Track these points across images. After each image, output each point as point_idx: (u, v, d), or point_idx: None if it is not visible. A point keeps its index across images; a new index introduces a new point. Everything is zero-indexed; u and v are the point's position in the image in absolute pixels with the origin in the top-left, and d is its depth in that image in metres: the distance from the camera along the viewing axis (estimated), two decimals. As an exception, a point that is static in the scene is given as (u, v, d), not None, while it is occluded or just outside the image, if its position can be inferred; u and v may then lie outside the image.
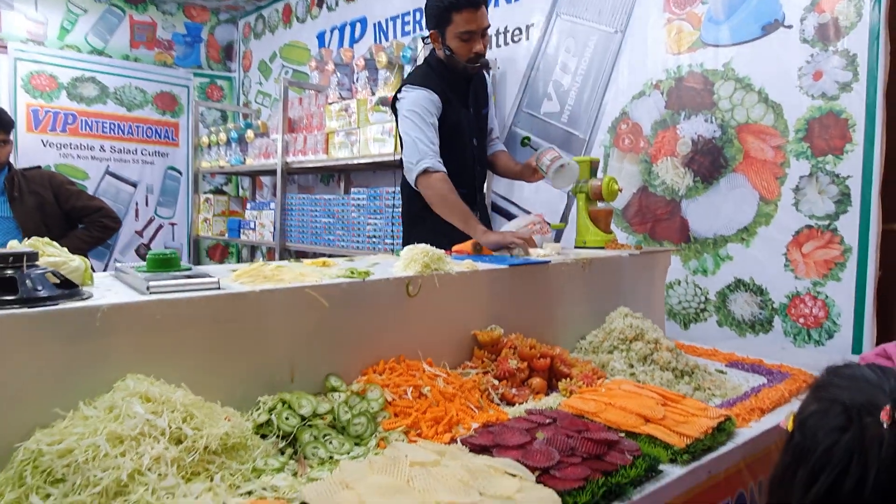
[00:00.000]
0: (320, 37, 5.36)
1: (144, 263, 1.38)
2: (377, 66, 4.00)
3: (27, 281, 1.05)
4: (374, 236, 3.78)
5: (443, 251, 1.74)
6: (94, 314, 1.08)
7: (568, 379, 1.69)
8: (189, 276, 1.29)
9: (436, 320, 1.65)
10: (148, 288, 1.19)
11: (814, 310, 2.74)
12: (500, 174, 2.95)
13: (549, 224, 2.59)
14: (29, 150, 5.19)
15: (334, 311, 1.42)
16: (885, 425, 0.74)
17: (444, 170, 2.37)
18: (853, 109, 2.61)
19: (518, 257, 2.04)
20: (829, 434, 0.78)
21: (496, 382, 1.62)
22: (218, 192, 6.08)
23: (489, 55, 3.87)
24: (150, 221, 5.92)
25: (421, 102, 2.43)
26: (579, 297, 2.07)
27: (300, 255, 4.80)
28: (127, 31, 5.80)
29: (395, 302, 1.55)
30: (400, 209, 2.77)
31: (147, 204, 5.87)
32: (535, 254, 2.13)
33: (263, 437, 1.22)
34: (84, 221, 3.31)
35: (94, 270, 1.38)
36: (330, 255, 4.08)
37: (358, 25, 4.92)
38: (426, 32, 2.61)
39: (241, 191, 6.33)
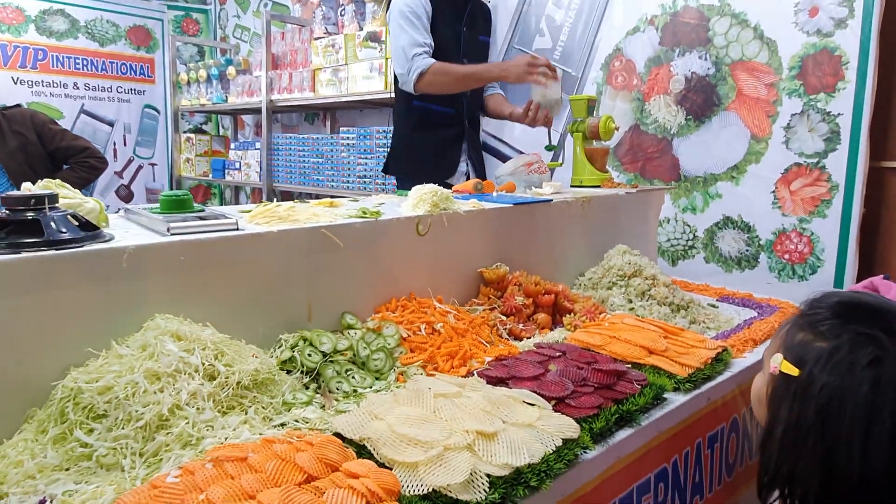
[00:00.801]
0: (300, -33, 5.14)
1: (157, 205, 1.37)
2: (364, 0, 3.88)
3: (51, 223, 1.05)
4: (365, 176, 3.76)
5: (449, 191, 1.75)
6: (120, 255, 1.08)
7: (572, 314, 1.75)
8: (205, 217, 1.29)
9: (444, 258, 1.68)
10: (168, 229, 1.19)
11: (799, 246, 2.82)
12: (489, 115, 2.91)
13: (546, 163, 2.59)
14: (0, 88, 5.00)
15: (348, 250, 1.44)
16: None
17: (435, 60, 2.36)
18: (847, 47, 2.62)
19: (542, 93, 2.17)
20: (868, 369, 0.74)
21: (504, 318, 1.67)
22: (198, 131, 5.93)
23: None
24: (130, 162, 5.79)
25: (408, 4, 2.39)
26: (579, 235, 2.12)
27: (286, 196, 4.76)
28: (94, -41, 5.50)
29: (405, 241, 1.58)
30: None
31: (125, 144, 5.72)
32: (536, 192, 2.16)
33: (288, 372, 1.26)
34: (69, 162, 3.24)
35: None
36: (317, 196, 4.06)
37: (341, -45, 4.72)
38: None
39: (221, 130, 6.19)
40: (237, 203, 5.86)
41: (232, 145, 5.08)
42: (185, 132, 5.74)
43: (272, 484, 0.87)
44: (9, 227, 1.04)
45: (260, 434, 1.03)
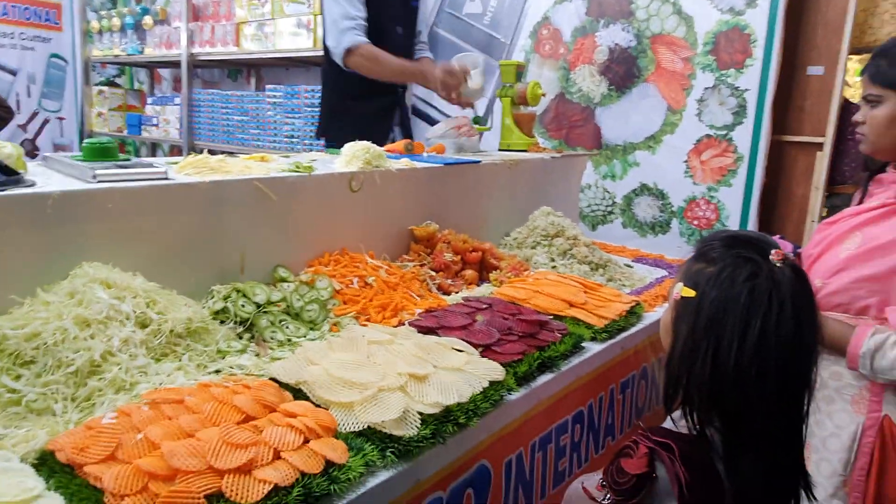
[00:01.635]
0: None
1: (80, 153, 1.32)
2: (291, -48, 3.75)
3: (-32, 166, 1.00)
4: (293, 136, 3.69)
5: (381, 149, 1.77)
6: (44, 201, 1.05)
7: (498, 270, 1.82)
8: (132, 166, 1.26)
9: (376, 215, 1.70)
10: (94, 176, 1.16)
11: (707, 213, 3.02)
12: None
13: (475, 126, 2.64)
14: None
15: (281, 204, 1.44)
16: (779, 265, 0.90)
17: (367, 39, 2.35)
18: (756, 25, 2.79)
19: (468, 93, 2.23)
20: (746, 281, 0.89)
21: (433, 274, 1.72)
22: (111, 84, 5.59)
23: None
24: (35, 115, 5.39)
25: None
26: (505, 196, 2.19)
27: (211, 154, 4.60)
28: None
29: (338, 197, 1.59)
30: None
31: (29, 95, 5.32)
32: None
33: (221, 323, 1.26)
34: (-31, 111, 3.00)
35: None
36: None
37: None
38: None
39: (136, 83, 5.86)
40: (154, 162, 5.60)
41: (149, 100, 4.83)
42: (96, 85, 5.40)
43: (210, 424, 0.89)
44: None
45: (195, 380, 1.05)
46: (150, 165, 1.28)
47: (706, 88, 2.94)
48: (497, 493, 1.21)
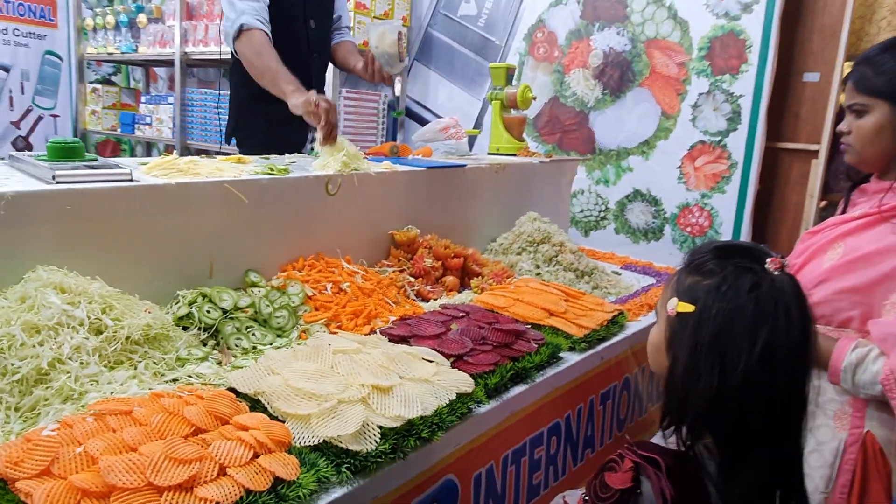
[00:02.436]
0: (220, -88, 4.86)
1: (45, 153, 1.29)
2: (286, -48, 3.71)
3: (-84, 164, 0.97)
4: (284, 137, 3.65)
5: (360, 150, 1.74)
6: (-4, 202, 1.02)
7: (479, 277, 1.79)
8: (96, 167, 1.23)
9: (354, 219, 1.67)
10: (54, 177, 1.13)
11: (700, 219, 2.99)
12: (337, 66, 2.55)
13: (462, 129, 2.61)
14: None
15: (253, 207, 1.41)
16: (776, 272, 0.89)
17: (266, 28, 2.01)
18: (751, 31, 2.76)
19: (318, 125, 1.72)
20: (750, 292, 0.87)
21: (412, 280, 1.69)
22: (106, 81, 5.56)
23: (406, -51, 3.70)
24: (28, 112, 5.36)
25: None
26: (492, 201, 2.15)
27: (202, 154, 4.57)
28: None
29: (314, 200, 1.56)
30: None
31: (23, 92, 5.28)
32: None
33: (185, 329, 1.23)
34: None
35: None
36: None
37: None
38: None
39: (132, 82, 5.83)
40: (149, 160, 5.57)
41: (143, 99, 4.80)
42: (91, 82, 5.36)
43: (157, 437, 0.85)
44: None
45: (150, 389, 1.01)
46: (116, 166, 1.24)
47: (700, 94, 2.91)
48: (465, 507, 1.17)
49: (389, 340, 1.31)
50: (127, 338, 1.05)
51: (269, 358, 1.12)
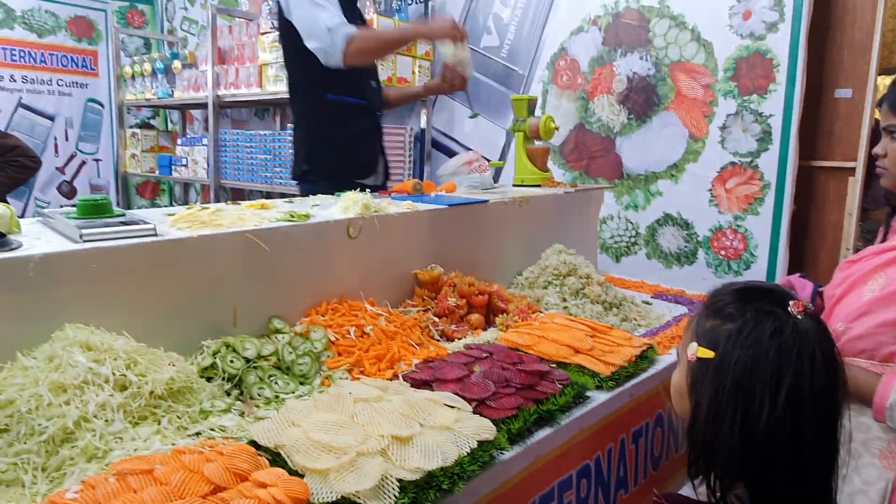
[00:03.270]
0: (249, -41, 5.04)
1: (74, 209, 1.34)
2: (311, -5, 3.82)
3: (-50, 232, 1.01)
4: (313, 173, 3.72)
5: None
6: (26, 264, 1.06)
7: (505, 314, 1.77)
8: (123, 223, 1.27)
9: (377, 261, 1.68)
10: (81, 236, 1.16)
11: (734, 242, 2.92)
12: (394, 103, 2.83)
13: (487, 161, 2.62)
14: (-71, 81, 4.79)
15: (275, 254, 1.43)
16: (800, 316, 0.87)
17: (356, 29, 2.19)
18: (778, 50, 2.71)
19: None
20: (772, 338, 0.85)
21: (436, 319, 1.68)
22: (145, 125, 5.78)
23: (428, -14, 3.78)
24: (72, 157, 5.60)
25: None
26: (516, 235, 2.14)
27: (236, 192, 4.68)
28: (30, -53, 5.30)
29: (336, 244, 1.57)
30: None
31: (67, 139, 5.53)
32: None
33: (209, 380, 1.24)
34: (-1, 161, 3.12)
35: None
36: (268, 193, 4.01)
37: (289, -52, 4.65)
38: None
39: (170, 125, 6.04)
40: (186, 200, 5.74)
41: (179, 141, 4.96)
42: (131, 127, 5.58)
43: (177, 496, 0.86)
44: None
45: (172, 444, 1.02)
46: (142, 222, 1.28)
47: (728, 115, 2.86)
48: (492, 558, 1.14)
49: (412, 385, 1.30)
50: (151, 393, 1.07)
51: (290, 409, 1.12)
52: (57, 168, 5.52)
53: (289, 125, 4.05)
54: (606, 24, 3.19)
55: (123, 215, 1.35)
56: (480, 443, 1.10)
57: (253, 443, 1.04)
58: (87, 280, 1.14)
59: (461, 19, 3.75)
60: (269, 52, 3.88)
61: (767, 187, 2.80)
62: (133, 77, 5.14)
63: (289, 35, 2.32)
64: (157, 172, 5.17)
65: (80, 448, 0.95)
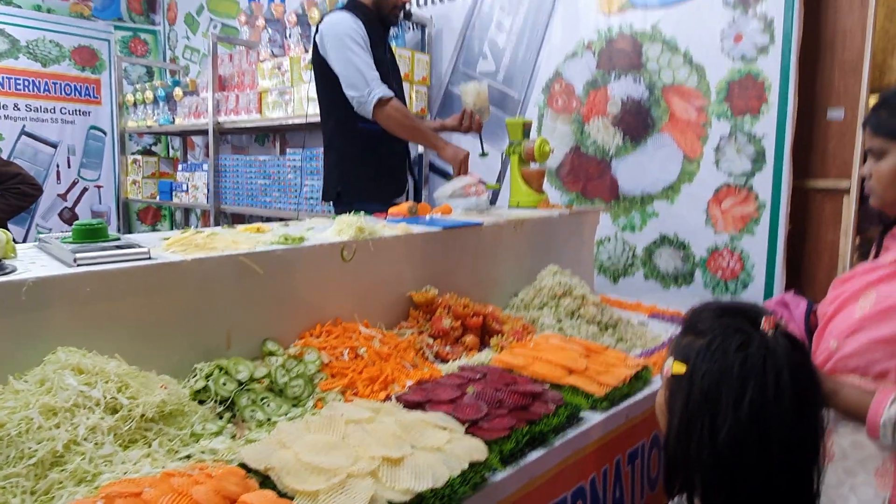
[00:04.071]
0: (249, -11, 5.15)
1: (70, 234, 1.35)
2: (309, 23, 3.90)
3: (-55, 257, 1.02)
4: (312, 197, 3.75)
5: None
6: (18, 289, 1.07)
7: (499, 335, 1.77)
8: (118, 247, 1.28)
9: (371, 283, 1.69)
10: (75, 260, 1.17)
11: (730, 262, 2.92)
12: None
13: (484, 184, 2.63)
14: (-66, 110, 4.86)
15: (269, 277, 1.44)
16: (770, 333, 0.88)
17: (393, 94, 2.37)
18: (769, 72, 2.74)
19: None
20: (737, 352, 0.87)
21: (431, 341, 1.68)
22: (147, 152, 5.84)
23: (425, 12, 3.85)
24: (74, 184, 5.65)
25: (353, 27, 2.36)
26: (512, 256, 2.15)
27: (236, 217, 4.71)
28: (36, -22, 5.42)
29: (329, 267, 1.58)
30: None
31: (69, 166, 5.59)
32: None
33: (201, 402, 1.25)
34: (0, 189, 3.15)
35: (16, 241, 1.35)
36: (267, 218, 4.04)
37: (289, -22, 4.75)
38: None
39: (171, 151, 6.10)
40: (187, 225, 5.77)
41: (179, 167, 5.01)
42: (133, 153, 5.64)
43: (164, 519, 0.86)
44: None
45: (162, 467, 1.02)
46: (136, 246, 1.29)
47: (722, 137, 2.89)
48: (485, 582, 1.13)
49: (405, 406, 1.30)
50: (142, 416, 1.07)
51: (281, 431, 1.12)
52: (59, 195, 5.57)
53: (288, 149, 4.08)
54: (600, 49, 3.23)
55: (118, 239, 1.36)
56: (472, 464, 1.10)
57: (243, 465, 1.04)
58: (80, 303, 1.15)
59: (458, 45, 3.81)
60: (269, 79, 3.94)
61: (763, 207, 2.81)
62: (135, 104, 5.21)
63: (322, 68, 2.46)
64: (157, 198, 5.22)
65: (69, 471, 0.95)
